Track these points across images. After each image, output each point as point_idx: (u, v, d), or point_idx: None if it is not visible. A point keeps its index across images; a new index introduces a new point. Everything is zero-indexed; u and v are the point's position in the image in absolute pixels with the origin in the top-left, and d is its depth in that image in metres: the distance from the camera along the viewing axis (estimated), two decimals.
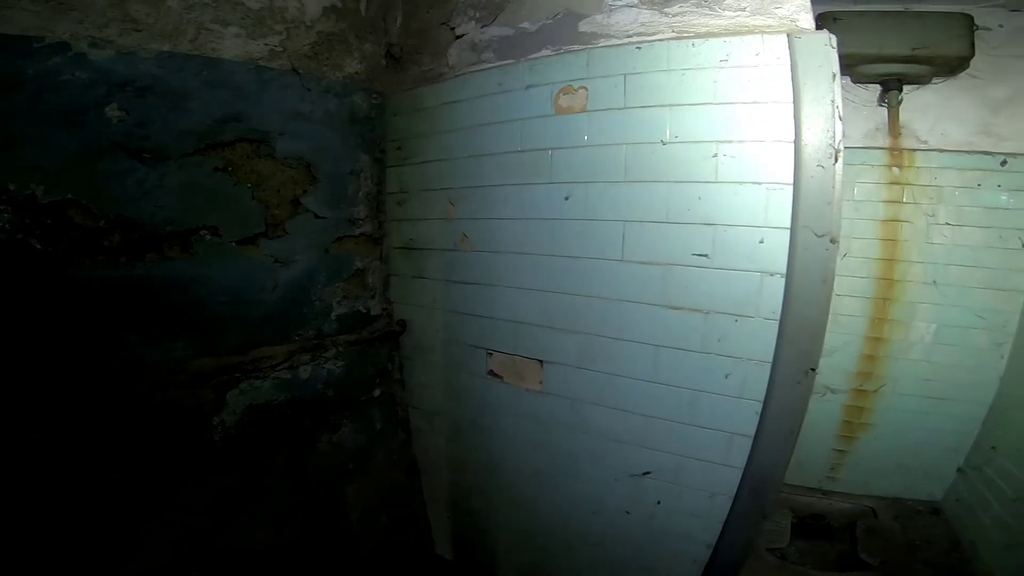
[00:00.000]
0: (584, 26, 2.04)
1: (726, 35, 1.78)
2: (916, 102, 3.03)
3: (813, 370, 1.71)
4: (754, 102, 1.71)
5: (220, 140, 1.93)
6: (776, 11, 1.76)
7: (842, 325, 3.24)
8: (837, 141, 1.59)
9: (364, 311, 2.52)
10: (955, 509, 3.08)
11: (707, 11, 1.84)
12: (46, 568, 1.64)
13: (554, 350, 2.18)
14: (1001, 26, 2.84)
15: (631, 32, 1.95)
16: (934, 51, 2.76)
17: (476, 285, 2.36)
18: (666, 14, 1.90)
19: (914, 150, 3.05)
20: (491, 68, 2.25)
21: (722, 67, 1.76)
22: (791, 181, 1.65)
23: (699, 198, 1.80)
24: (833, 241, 1.62)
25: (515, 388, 2.32)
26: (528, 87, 2.13)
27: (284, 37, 2.10)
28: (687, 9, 1.87)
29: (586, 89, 2.00)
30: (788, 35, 1.68)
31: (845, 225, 3.08)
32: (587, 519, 2.26)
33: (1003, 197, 2.92)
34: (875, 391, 3.25)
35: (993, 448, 2.89)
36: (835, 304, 3.13)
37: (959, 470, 3.11)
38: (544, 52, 2.12)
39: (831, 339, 3.22)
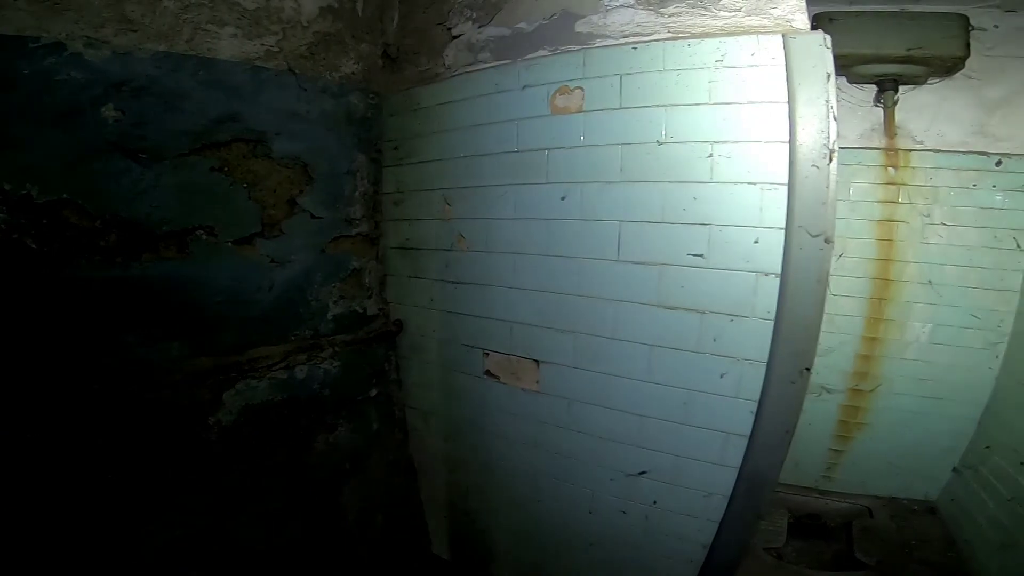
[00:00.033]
0: (581, 26, 2.04)
1: (722, 35, 1.78)
2: (912, 102, 3.04)
3: (808, 370, 1.71)
4: (749, 102, 1.71)
5: (216, 140, 1.93)
6: (771, 11, 1.76)
7: (838, 325, 3.25)
8: (831, 141, 1.60)
9: (360, 311, 2.52)
10: (951, 509, 3.09)
11: (703, 11, 1.84)
12: (47, 568, 1.64)
13: (550, 350, 2.18)
14: (996, 26, 2.85)
15: (627, 32, 1.95)
16: (930, 51, 2.76)
17: (472, 285, 2.36)
18: (662, 14, 1.90)
19: (910, 150, 3.06)
20: (488, 68, 2.25)
21: (718, 67, 1.76)
22: (786, 181, 1.66)
23: (694, 198, 1.80)
24: (828, 241, 1.63)
25: (512, 388, 2.32)
26: (525, 87, 2.13)
27: (280, 37, 2.10)
28: (683, 9, 1.87)
29: (582, 89, 2.01)
30: (783, 35, 1.68)
31: (841, 225, 3.11)
32: (584, 519, 2.26)
33: (998, 197, 2.93)
34: (871, 391, 3.26)
35: (988, 448, 2.90)
36: (831, 304, 3.16)
37: (954, 470, 3.12)
38: (541, 52, 2.12)
39: (827, 339, 3.23)
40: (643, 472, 2.06)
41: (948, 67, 2.86)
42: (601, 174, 1.98)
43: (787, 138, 1.65)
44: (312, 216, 2.26)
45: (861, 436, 3.34)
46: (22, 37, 1.51)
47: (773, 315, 1.72)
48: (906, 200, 3.08)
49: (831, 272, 3.07)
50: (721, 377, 1.83)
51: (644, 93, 1.88)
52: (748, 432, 1.82)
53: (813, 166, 1.62)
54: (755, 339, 1.76)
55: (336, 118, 2.34)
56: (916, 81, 2.96)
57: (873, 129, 3.12)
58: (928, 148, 3.03)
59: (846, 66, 2.92)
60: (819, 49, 1.63)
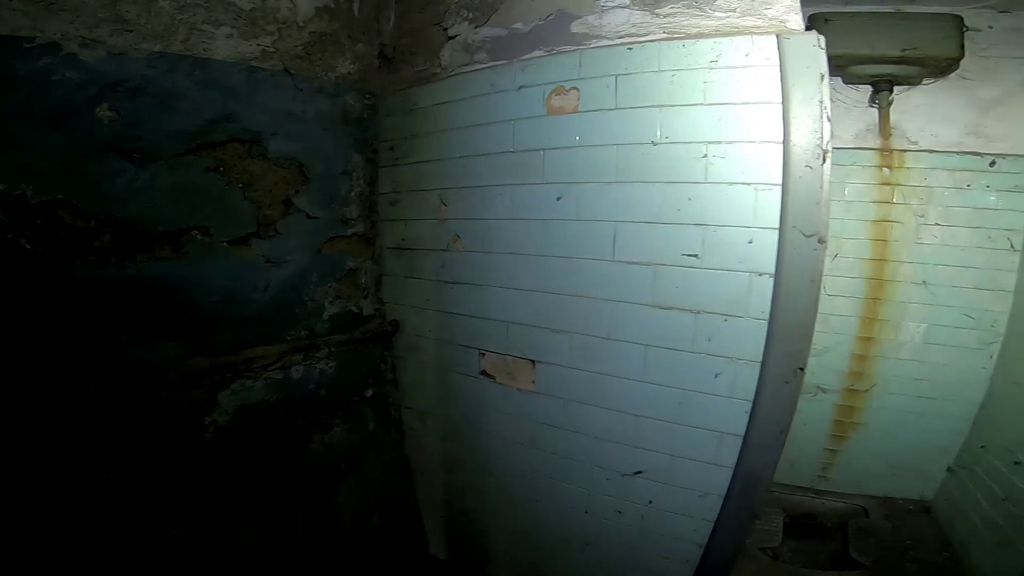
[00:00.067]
0: (576, 27, 2.04)
1: (716, 36, 1.79)
2: (906, 103, 3.05)
3: (802, 369, 1.72)
4: (743, 103, 1.72)
5: (212, 140, 1.93)
6: (766, 12, 1.77)
7: (833, 325, 3.26)
8: (825, 142, 1.60)
9: (356, 311, 2.52)
10: (945, 508, 3.10)
11: (698, 12, 1.85)
12: (47, 568, 1.64)
13: (546, 350, 2.19)
14: (991, 27, 2.86)
15: (623, 33, 1.96)
16: (924, 52, 2.77)
17: (468, 285, 2.37)
18: (657, 15, 1.91)
19: (904, 151, 3.07)
20: (484, 68, 2.26)
21: (712, 68, 1.77)
22: (780, 182, 1.66)
23: (689, 199, 1.81)
24: (821, 241, 1.63)
25: (507, 388, 2.32)
26: (521, 87, 2.14)
27: (276, 37, 2.10)
28: (678, 10, 1.88)
29: (578, 90, 2.01)
30: (777, 36, 1.69)
31: (836, 225, 3.12)
32: (580, 519, 2.26)
33: (992, 198, 2.94)
34: (866, 391, 3.27)
35: (983, 447, 2.91)
36: (826, 304, 3.17)
37: (949, 469, 3.13)
38: (537, 53, 2.13)
39: (823, 339, 3.24)
40: (639, 472, 2.07)
41: (943, 68, 2.87)
42: (597, 174, 1.98)
43: (781, 138, 1.66)
44: (308, 216, 2.26)
45: (856, 436, 3.35)
46: (17, 37, 1.51)
47: (767, 315, 1.72)
48: (901, 200, 3.09)
49: (826, 272, 3.08)
50: (716, 377, 1.84)
51: (639, 93, 1.89)
52: (743, 432, 1.83)
53: (807, 166, 1.62)
54: (749, 339, 1.76)
55: (332, 118, 2.35)
56: (911, 82, 2.97)
57: (868, 130, 3.13)
58: (922, 148, 3.04)
59: (841, 67, 2.93)
60: (813, 50, 1.64)
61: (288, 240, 2.19)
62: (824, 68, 1.62)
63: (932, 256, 3.07)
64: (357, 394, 2.55)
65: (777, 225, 1.68)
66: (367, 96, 2.50)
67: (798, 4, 1.75)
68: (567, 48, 2.06)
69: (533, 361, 2.23)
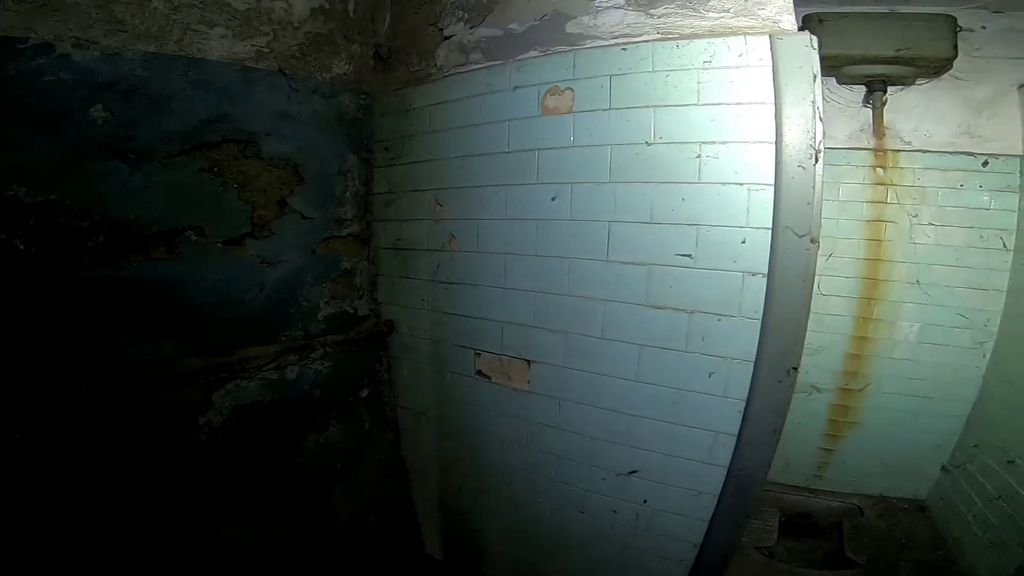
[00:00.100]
0: (571, 27, 2.05)
1: (710, 36, 1.79)
2: (900, 103, 3.06)
3: (795, 369, 1.72)
4: (737, 103, 1.73)
5: (206, 141, 1.93)
6: (759, 12, 1.77)
7: (828, 324, 3.27)
8: (817, 142, 1.61)
9: (351, 311, 2.52)
10: (940, 507, 3.11)
11: (692, 12, 1.85)
12: (47, 569, 1.64)
13: (541, 350, 2.19)
14: (984, 27, 2.87)
15: (617, 33, 1.96)
16: (918, 52, 2.78)
17: (464, 285, 2.37)
18: (651, 15, 1.91)
19: (898, 151, 3.08)
20: (479, 69, 2.26)
21: (706, 68, 1.77)
22: (772, 182, 1.67)
23: (683, 199, 1.81)
24: (813, 241, 1.64)
25: (503, 388, 2.32)
26: (516, 88, 2.14)
27: (271, 38, 2.10)
28: (672, 10, 1.88)
29: (572, 90, 2.02)
30: (770, 36, 1.69)
31: (830, 225, 3.14)
32: (575, 518, 2.27)
33: (985, 198, 2.95)
34: (860, 390, 3.28)
35: (976, 446, 2.92)
36: (821, 303, 3.18)
37: (943, 468, 3.14)
38: (532, 53, 2.13)
39: (817, 338, 3.25)
40: (634, 471, 2.07)
41: (936, 68, 2.88)
42: (591, 175, 1.99)
43: (774, 139, 1.66)
44: (303, 216, 2.26)
45: (851, 435, 3.36)
46: (10, 38, 1.51)
47: (760, 315, 1.73)
48: (894, 200, 3.10)
49: (821, 272, 3.13)
50: (709, 376, 1.84)
51: (634, 94, 1.89)
52: (736, 431, 1.84)
53: (799, 166, 1.63)
54: (742, 338, 1.77)
55: (327, 118, 2.35)
56: (904, 82, 2.98)
57: (862, 130, 3.14)
58: (916, 148, 3.06)
59: (835, 67, 2.94)
60: (805, 50, 1.65)
61: (283, 240, 2.19)
62: (816, 68, 1.63)
63: (926, 256, 3.08)
64: (352, 394, 2.55)
65: (770, 225, 1.68)
66: (362, 96, 2.50)
67: (791, 4, 1.75)
68: (562, 48, 2.06)
69: (528, 361, 2.23)
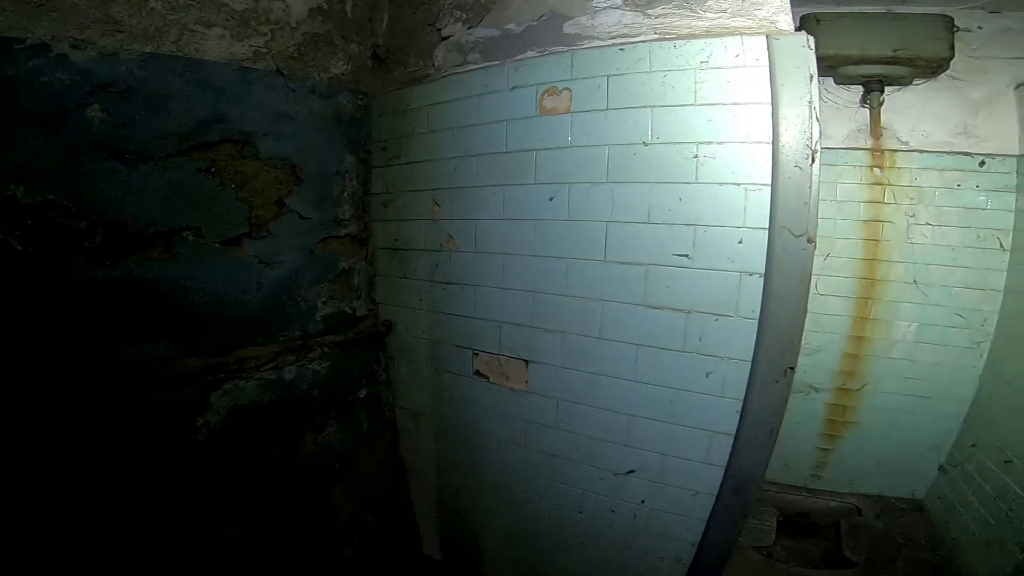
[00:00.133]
0: (569, 27, 2.05)
1: (707, 36, 1.80)
2: (897, 103, 3.06)
3: (792, 369, 1.72)
4: (734, 103, 1.73)
5: (203, 141, 1.93)
6: (756, 13, 1.78)
7: (825, 324, 3.27)
8: (814, 142, 1.62)
9: (350, 312, 2.52)
10: (937, 507, 3.11)
11: (689, 12, 1.86)
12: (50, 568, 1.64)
13: (539, 350, 2.19)
14: (980, 28, 2.88)
15: (615, 33, 1.97)
16: (915, 52, 2.79)
17: (461, 285, 2.37)
18: (649, 15, 1.91)
19: (895, 151, 3.09)
20: (477, 69, 2.26)
21: (703, 68, 1.78)
22: (769, 182, 1.67)
23: (680, 199, 1.82)
24: (810, 241, 1.64)
25: (501, 388, 2.33)
26: (513, 88, 2.14)
27: (269, 38, 2.10)
28: (669, 11, 1.89)
29: (570, 90, 2.02)
30: (767, 36, 1.70)
31: (828, 225, 3.14)
32: (574, 518, 2.27)
33: (981, 197, 2.96)
34: (858, 390, 3.28)
35: (973, 446, 2.93)
36: (819, 303, 3.19)
37: (941, 468, 3.14)
38: (529, 53, 2.13)
39: (815, 338, 3.25)
40: (631, 471, 2.08)
41: (933, 68, 2.88)
42: (588, 175, 1.99)
43: (770, 139, 1.67)
44: (300, 217, 2.26)
45: (849, 435, 3.36)
46: (7, 38, 1.51)
47: (757, 314, 1.73)
48: (892, 200, 3.11)
49: (818, 272, 3.13)
50: (707, 376, 1.84)
51: (631, 94, 1.89)
52: (734, 431, 1.84)
53: (796, 167, 1.63)
54: (739, 338, 1.77)
55: (325, 119, 2.35)
56: (902, 82, 2.98)
57: (859, 130, 3.14)
58: (913, 148, 3.06)
59: (833, 67, 2.94)
60: (802, 50, 1.65)
61: (281, 240, 2.19)
62: (813, 68, 1.64)
63: (923, 256, 3.08)
64: (350, 395, 2.55)
65: (767, 225, 1.69)
66: (360, 97, 2.50)
67: (788, 5, 1.75)
68: (559, 49, 2.06)
69: (526, 361, 2.23)
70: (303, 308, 2.31)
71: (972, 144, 2.96)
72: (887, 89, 3.03)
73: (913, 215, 3.07)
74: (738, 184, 1.72)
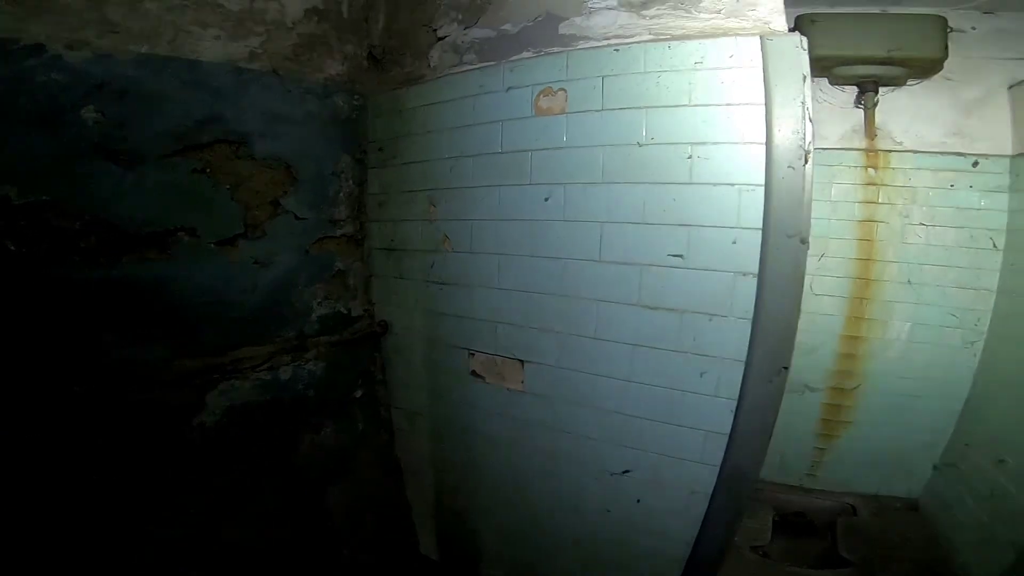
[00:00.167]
0: (564, 28, 2.05)
1: (701, 37, 1.80)
2: (892, 104, 3.07)
3: (786, 368, 1.73)
4: (728, 104, 1.73)
5: (198, 142, 1.93)
6: (750, 13, 1.78)
7: (820, 324, 3.27)
8: (807, 142, 1.62)
9: (345, 312, 2.53)
10: (932, 506, 3.12)
11: (683, 13, 1.86)
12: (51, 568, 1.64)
13: (535, 350, 2.20)
14: (974, 28, 2.89)
15: (609, 34, 1.97)
16: (909, 53, 2.79)
17: (457, 286, 2.37)
18: (644, 16, 1.92)
19: (889, 151, 3.09)
20: (472, 70, 2.26)
21: (697, 69, 1.78)
22: (763, 182, 1.68)
23: (674, 199, 1.82)
24: (803, 241, 1.65)
25: (497, 388, 2.33)
26: (509, 89, 2.15)
27: (264, 39, 2.10)
28: (664, 12, 1.89)
29: (565, 91, 2.02)
30: (761, 37, 1.70)
31: (823, 225, 3.15)
32: (570, 518, 2.27)
33: (975, 198, 2.96)
34: (853, 389, 3.29)
35: (967, 445, 2.94)
36: (814, 303, 3.19)
37: (935, 467, 3.15)
38: (525, 54, 2.13)
39: (810, 338, 3.26)
40: (627, 471, 2.08)
41: (927, 68, 2.89)
42: (584, 175, 1.99)
43: (764, 140, 1.67)
44: (296, 217, 2.26)
45: (844, 434, 3.37)
46: (2, 39, 1.51)
47: (751, 315, 1.74)
48: (886, 201, 3.11)
49: (813, 272, 3.14)
50: (701, 376, 1.85)
51: (626, 95, 1.90)
52: (728, 430, 1.84)
53: (789, 167, 1.64)
54: (733, 338, 1.77)
55: (321, 119, 2.35)
56: (896, 83, 2.99)
57: (854, 130, 3.15)
58: (907, 149, 3.06)
59: (827, 68, 2.95)
60: (795, 51, 1.66)
61: (276, 241, 2.19)
62: (806, 69, 1.64)
63: (917, 256, 3.09)
64: (346, 395, 2.55)
65: (760, 225, 1.69)
66: (356, 97, 2.50)
67: (781, 5, 1.76)
68: (555, 49, 2.06)
69: (522, 361, 2.24)
70: (299, 308, 2.31)
71: (966, 144, 2.97)
72: (881, 90, 3.03)
73: (907, 215, 3.08)
74: (732, 185, 1.73)
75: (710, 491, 1.93)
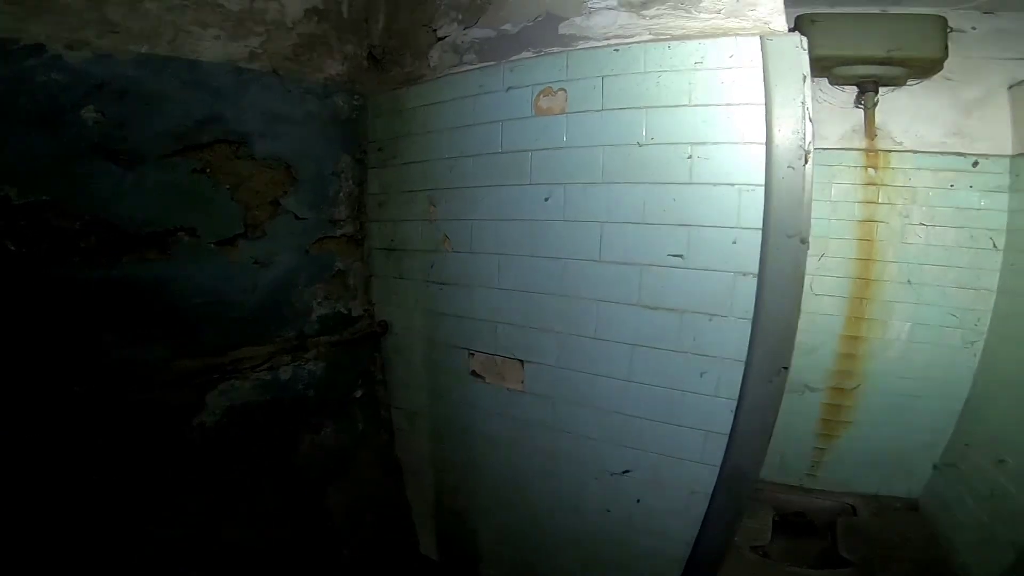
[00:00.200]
0: (564, 28, 2.05)
1: (701, 37, 1.80)
2: (892, 104, 3.07)
3: (785, 368, 1.73)
4: (728, 104, 1.73)
5: (198, 142, 1.93)
6: (750, 13, 1.78)
7: (820, 324, 3.27)
8: (807, 143, 1.62)
9: (345, 312, 2.53)
10: (932, 506, 3.12)
11: (683, 13, 1.86)
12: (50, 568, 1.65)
13: (535, 350, 2.20)
14: (974, 28, 2.89)
15: (609, 34, 1.97)
16: (909, 53, 2.79)
17: (457, 286, 2.37)
18: (643, 16, 1.92)
19: (889, 151, 3.09)
20: (472, 70, 2.26)
21: (697, 69, 1.78)
22: (763, 182, 1.68)
23: (674, 199, 1.82)
24: (803, 242, 1.65)
25: (497, 388, 2.33)
26: (509, 89, 2.15)
27: (264, 39, 2.10)
28: (664, 11, 1.89)
29: (565, 91, 2.02)
30: (761, 37, 1.70)
31: (823, 225, 3.15)
32: (570, 518, 2.28)
33: (975, 198, 2.96)
34: (853, 389, 3.29)
35: (967, 445, 2.94)
36: (814, 303, 3.19)
37: (935, 467, 3.15)
38: (525, 54, 2.13)
39: (811, 338, 3.26)
40: (627, 471, 2.08)
41: (927, 68, 2.89)
42: (584, 175, 1.99)
43: (764, 140, 1.67)
44: (296, 217, 2.26)
45: (845, 434, 3.37)
46: (1, 39, 1.51)
47: (751, 315, 1.74)
48: (886, 201, 3.11)
49: (813, 272, 3.14)
50: (701, 376, 1.85)
51: (626, 95, 1.90)
52: (728, 430, 1.84)
53: (789, 167, 1.64)
54: (733, 338, 1.78)
55: (321, 119, 2.35)
56: (896, 82, 2.99)
57: (854, 130, 3.15)
58: (907, 149, 3.06)
59: (827, 68, 2.95)
60: (795, 51, 1.66)
61: (276, 241, 2.19)
62: (806, 69, 1.64)
63: (917, 256, 3.09)
64: (346, 395, 2.55)
65: (760, 226, 1.69)
66: (356, 97, 2.50)
67: (781, 6, 1.76)
68: (555, 49, 2.06)
69: (522, 361, 2.24)
70: (299, 308, 2.31)
71: (965, 144, 2.97)
72: (881, 90, 3.03)
73: (907, 215, 3.08)
74: (732, 185, 1.73)
75: (710, 491, 1.93)
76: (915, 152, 3.05)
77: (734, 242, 1.74)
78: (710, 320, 1.81)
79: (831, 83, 3.12)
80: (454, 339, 2.43)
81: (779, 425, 1.82)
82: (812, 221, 1.68)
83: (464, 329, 2.38)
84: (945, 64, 2.82)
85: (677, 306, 1.86)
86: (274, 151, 2.15)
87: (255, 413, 2.16)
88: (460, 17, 2.31)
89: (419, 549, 2.89)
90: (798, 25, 2.81)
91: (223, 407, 2.05)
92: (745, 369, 1.77)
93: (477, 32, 2.26)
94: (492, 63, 2.21)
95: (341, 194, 2.46)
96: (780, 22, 1.75)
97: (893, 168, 3.09)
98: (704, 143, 1.77)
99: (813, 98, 1.67)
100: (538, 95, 2.08)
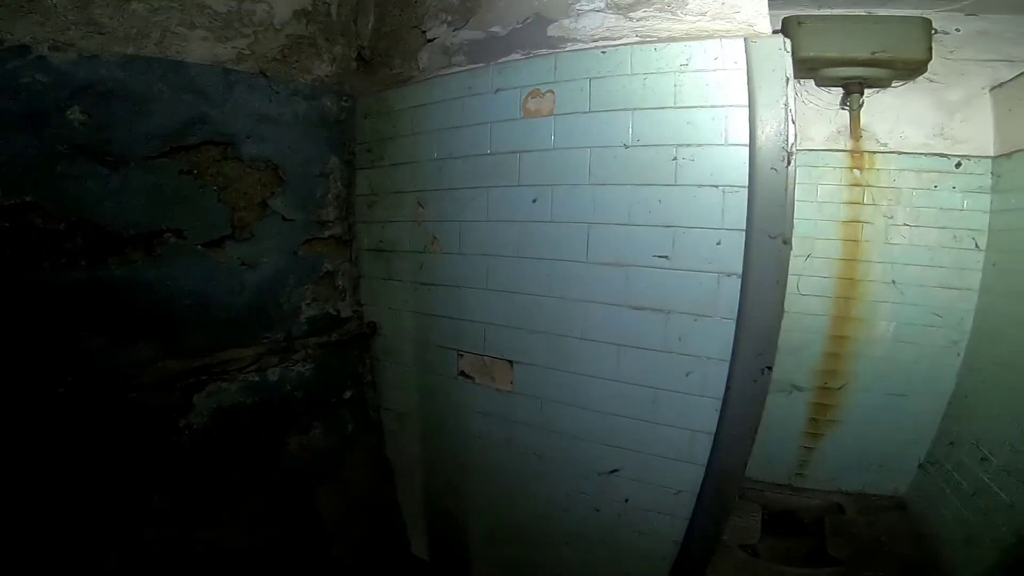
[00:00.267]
0: (552, 30, 2.07)
1: (687, 40, 1.82)
2: (877, 105, 3.10)
3: (769, 368, 1.75)
4: (712, 106, 1.75)
5: (185, 143, 1.93)
6: (735, 16, 1.80)
7: (806, 324, 3.29)
8: (790, 144, 1.64)
9: (334, 313, 2.52)
10: (918, 504, 3.15)
11: (669, 16, 1.88)
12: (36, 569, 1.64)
13: (523, 351, 2.21)
14: (958, 30, 2.92)
15: (597, 36, 1.99)
16: (894, 55, 2.81)
17: (446, 287, 2.38)
18: (630, 19, 1.94)
19: (874, 152, 3.12)
20: (461, 71, 2.27)
21: (682, 71, 1.80)
22: (746, 184, 1.70)
23: (660, 200, 1.84)
24: (785, 242, 1.67)
25: (486, 388, 2.34)
26: (497, 90, 2.16)
27: (252, 40, 2.10)
28: (651, 14, 1.91)
29: (553, 93, 2.04)
30: (745, 39, 1.72)
31: (809, 226, 3.17)
32: (559, 517, 2.28)
33: (958, 198, 2.99)
34: (839, 388, 3.31)
35: (951, 444, 2.96)
36: (800, 303, 3.22)
37: (920, 466, 3.18)
38: (513, 56, 2.15)
39: (797, 338, 3.28)
40: (615, 470, 2.09)
41: (911, 70, 2.92)
42: (571, 177, 2.01)
43: (747, 141, 1.69)
44: (284, 218, 2.26)
45: (831, 433, 3.39)
46: None
47: (735, 315, 1.76)
48: (871, 201, 3.14)
49: (799, 272, 3.16)
50: (687, 376, 1.87)
51: (612, 97, 1.92)
52: (714, 429, 1.86)
53: (772, 168, 1.66)
54: (718, 338, 1.79)
55: (309, 121, 2.35)
56: (881, 84, 3.02)
57: (839, 132, 3.18)
58: (892, 150, 3.09)
59: (813, 69, 2.97)
60: (779, 53, 1.68)
61: (264, 242, 2.19)
62: (789, 71, 1.66)
63: (901, 256, 3.11)
64: (335, 396, 2.55)
65: (744, 227, 1.71)
66: (344, 98, 2.50)
67: (766, 8, 1.78)
68: (543, 51, 2.08)
69: (511, 362, 2.25)
70: (287, 310, 2.31)
71: (949, 146, 3.00)
72: (867, 91, 3.06)
73: (891, 216, 3.11)
74: (716, 186, 1.75)
75: (697, 490, 1.95)
76: (899, 153, 3.08)
77: (718, 243, 1.75)
78: (695, 320, 1.82)
79: (817, 84, 3.15)
80: (443, 340, 2.44)
81: (767, 424, 1.84)
82: (798, 222, 1.70)
83: (453, 330, 2.39)
84: (929, 66, 2.85)
85: (663, 306, 1.87)
86: (262, 153, 2.15)
87: (243, 415, 2.15)
88: (450, 19, 2.32)
89: (410, 550, 2.89)
90: (785, 27, 2.83)
91: (211, 409, 2.05)
92: (730, 369, 1.79)
93: (466, 34, 2.27)
94: (481, 65, 2.22)
95: (329, 195, 2.46)
96: (764, 24, 1.77)
97: (878, 169, 3.12)
98: (689, 144, 1.78)
99: (800, 99, 1.69)
100: (526, 97, 2.09)
